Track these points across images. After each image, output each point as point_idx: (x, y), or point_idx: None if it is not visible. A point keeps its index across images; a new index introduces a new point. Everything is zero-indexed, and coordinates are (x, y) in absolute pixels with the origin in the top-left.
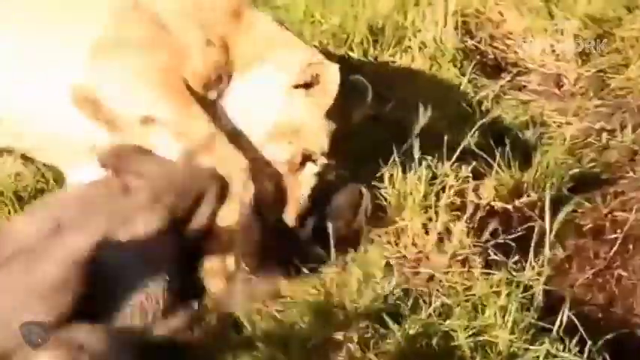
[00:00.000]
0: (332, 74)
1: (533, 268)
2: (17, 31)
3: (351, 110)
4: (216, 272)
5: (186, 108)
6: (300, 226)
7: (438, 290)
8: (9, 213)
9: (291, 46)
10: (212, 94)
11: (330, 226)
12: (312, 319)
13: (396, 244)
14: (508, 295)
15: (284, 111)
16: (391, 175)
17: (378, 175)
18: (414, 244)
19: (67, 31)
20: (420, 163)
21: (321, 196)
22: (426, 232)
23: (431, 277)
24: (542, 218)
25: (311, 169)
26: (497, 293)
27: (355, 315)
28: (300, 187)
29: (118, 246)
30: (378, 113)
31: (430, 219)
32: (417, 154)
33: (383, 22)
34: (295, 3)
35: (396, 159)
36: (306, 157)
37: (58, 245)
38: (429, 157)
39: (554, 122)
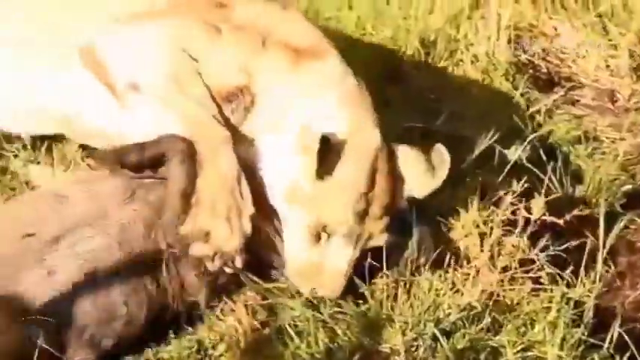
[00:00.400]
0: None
1: (584, 284)
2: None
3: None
4: (195, 237)
5: (180, 81)
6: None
7: (488, 306)
8: None
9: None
10: (227, 107)
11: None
12: (360, 330)
13: (449, 259)
14: (558, 310)
15: (296, 175)
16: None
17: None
18: (467, 260)
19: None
20: (472, 178)
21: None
22: (481, 248)
23: (482, 292)
24: (594, 234)
25: (337, 242)
26: (548, 309)
27: (404, 327)
28: (332, 263)
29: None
30: (429, 126)
31: (484, 233)
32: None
33: (435, 36)
34: (347, 15)
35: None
36: (321, 228)
37: None
38: (479, 171)
39: (607, 138)
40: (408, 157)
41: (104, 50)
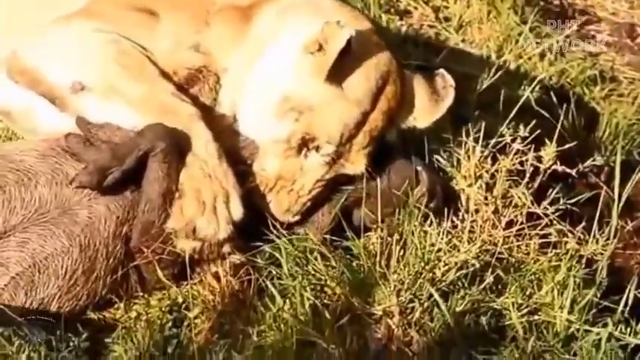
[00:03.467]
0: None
1: (597, 240)
2: None
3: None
4: (185, 233)
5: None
6: (301, 222)
7: (490, 264)
8: None
9: (313, 6)
10: (193, 90)
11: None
12: (351, 289)
13: (448, 212)
14: (568, 269)
15: (294, 82)
16: (442, 136)
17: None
18: (468, 212)
19: None
20: (476, 122)
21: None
22: (485, 201)
23: (484, 250)
24: (610, 185)
25: (316, 159)
26: (557, 268)
27: (398, 287)
28: (303, 176)
29: None
30: (428, 63)
31: (487, 184)
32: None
33: None
34: None
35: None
36: (306, 141)
37: None
38: (483, 114)
39: (625, 78)
40: (420, 85)
41: (34, 58)
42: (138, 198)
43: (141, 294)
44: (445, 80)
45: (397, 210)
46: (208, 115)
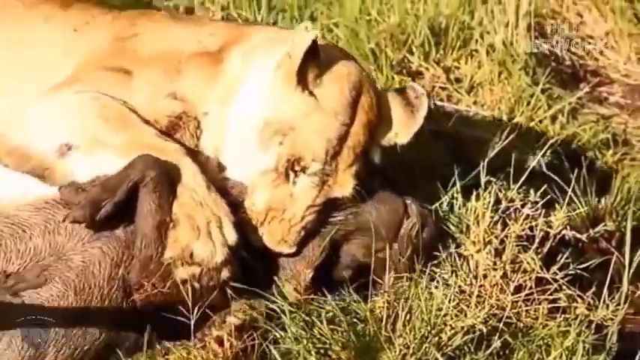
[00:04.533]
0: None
1: (607, 306)
2: None
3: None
4: (181, 260)
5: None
6: (298, 252)
7: (498, 328)
8: None
9: (279, 39)
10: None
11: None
12: (356, 352)
13: (456, 276)
14: (578, 335)
15: (271, 103)
16: (451, 200)
17: (437, 200)
18: (476, 278)
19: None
20: (486, 188)
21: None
22: (494, 266)
23: (493, 314)
24: (620, 251)
25: (305, 182)
26: (566, 333)
27: (404, 352)
28: (293, 204)
29: None
30: (438, 127)
31: (496, 249)
32: (483, 180)
33: (447, 22)
34: None
35: (457, 181)
36: (293, 163)
37: None
38: (494, 180)
39: (638, 141)
40: (396, 100)
41: (21, 134)
42: (131, 236)
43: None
44: (416, 91)
45: (388, 244)
46: (193, 159)
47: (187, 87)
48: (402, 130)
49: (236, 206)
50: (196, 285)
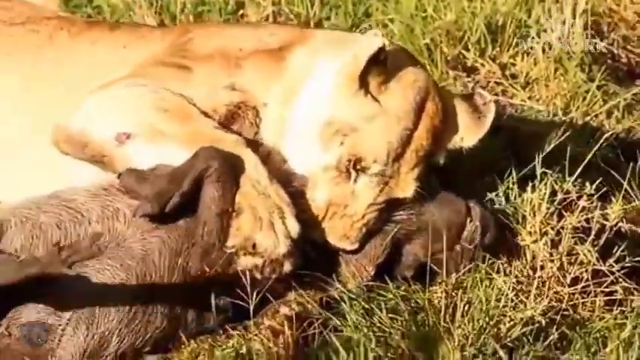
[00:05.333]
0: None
1: None
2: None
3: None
4: (243, 249)
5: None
6: (360, 248)
7: (555, 321)
8: None
9: (346, 41)
10: (235, 127)
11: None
12: (415, 343)
13: (512, 268)
14: (634, 328)
15: (334, 104)
16: (507, 193)
17: (493, 192)
18: (533, 269)
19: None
20: (542, 180)
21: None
22: (550, 257)
23: (551, 306)
24: None
25: (366, 181)
26: (622, 326)
27: (462, 342)
28: (354, 201)
29: None
30: (495, 122)
31: (552, 240)
32: (539, 172)
33: (503, 20)
34: None
35: (514, 175)
36: (355, 163)
37: None
38: (549, 172)
39: None
40: (462, 106)
41: (78, 122)
42: (192, 226)
43: (206, 341)
44: (483, 97)
45: (450, 246)
46: (254, 149)
47: (247, 79)
48: (469, 135)
49: (297, 198)
50: (258, 276)
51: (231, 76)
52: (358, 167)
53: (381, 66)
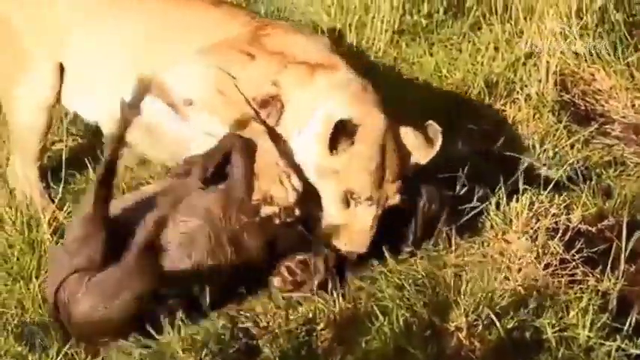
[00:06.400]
0: (375, 124)
1: (610, 279)
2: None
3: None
4: (264, 201)
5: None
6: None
7: (532, 295)
8: None
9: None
10: (263, 113)
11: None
12: (433, 309)
13: (503, 257)
14: (589, 300)
15: (318, 153)
16: (499, 202)
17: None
18: (517, 257)
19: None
20: (523, 193)
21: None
22: (530, 249)
23: (530, 285)
24: (619, 239)
25: (364, 205)
26: (580, 298)
27: (467, 310)
28: (361, 220)
29: None
30: (489, 149)
31: (531, 237)
32: (521, 187)
33: (497, 78)
34: (427, 61)
35: (502, 189)
36: (350, 194)
37: None
38: (529, 187)
39: (631, 163)
40: (409, 134)
41: (169, 80)
42: (228, 187)
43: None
44: (435, 129)
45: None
46: (272, 137)
47: (285, 79)
48: (423, 156)
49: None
50: (276, 220)
51: (278, 73)
52: (354, 197)
53: (347, 129)
